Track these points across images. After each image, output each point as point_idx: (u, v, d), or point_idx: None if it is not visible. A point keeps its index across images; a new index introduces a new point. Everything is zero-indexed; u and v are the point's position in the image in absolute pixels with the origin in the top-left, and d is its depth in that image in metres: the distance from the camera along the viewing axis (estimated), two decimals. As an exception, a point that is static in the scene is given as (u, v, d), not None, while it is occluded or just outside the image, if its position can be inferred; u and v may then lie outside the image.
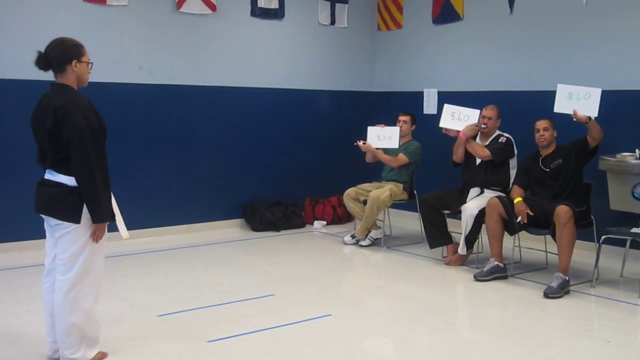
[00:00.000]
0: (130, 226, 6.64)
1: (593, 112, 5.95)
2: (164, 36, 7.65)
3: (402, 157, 7.53)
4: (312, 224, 8.62)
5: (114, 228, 4.15)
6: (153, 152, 7.67)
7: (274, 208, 8.39)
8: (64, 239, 3.89)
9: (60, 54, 3.90)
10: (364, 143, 7.51)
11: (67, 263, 3.90)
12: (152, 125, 7.66)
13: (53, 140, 3.82)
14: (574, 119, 5.99)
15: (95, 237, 3.91)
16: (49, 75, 4.01)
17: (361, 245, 7.52)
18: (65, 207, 3.84)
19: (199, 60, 7.95)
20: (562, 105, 6.10)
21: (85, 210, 3.84)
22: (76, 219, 3.84)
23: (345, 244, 7.64)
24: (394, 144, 7.44)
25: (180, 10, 7.70)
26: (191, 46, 7.88)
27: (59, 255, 3.93)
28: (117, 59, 7.30)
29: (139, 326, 4.79)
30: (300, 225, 8.53)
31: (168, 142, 7.78)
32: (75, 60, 3.92)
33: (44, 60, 3.89)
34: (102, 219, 3.88)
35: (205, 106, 8.06)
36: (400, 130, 7.56)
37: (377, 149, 7.55)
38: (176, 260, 6.78)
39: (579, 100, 6.00)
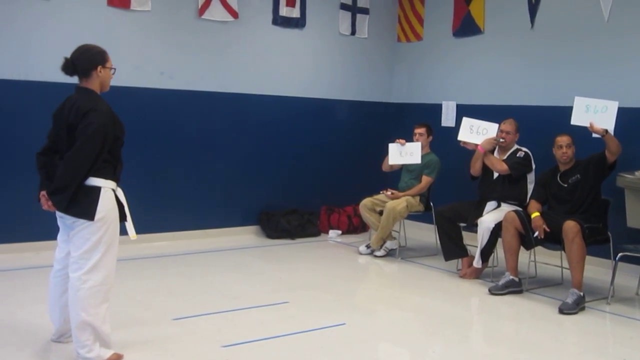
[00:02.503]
0: (146, 230, 6.77)
1: (610, 125, 5.94)
2: (185, 42, 7.71)
3: (427, 179, 7.54)
4: (328, 233, 8.64)
5: (126, 231, 4.25)
6: (171, 157, 7.72)
7: (290, 216, 8.41)
8: (78, 236, 4.01)
9: (87, 60, 4.10)
10: (392, 193, 7.53)
11: (80, 260, 4.01)
12: (172, 130, 7.70)
13: (70, 136, 3.98)
14: (591, 131, 5.98)
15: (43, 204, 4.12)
16: (71, 79, 4.15)
17: (376, 256, 7.52)
18: (81, 204, 3.95)
19: (219, 67, 8.01)
20: (579, 118, 6.09)
21: (99, 207, 3.96)
22: (90, 216, 3.95)
23: (360, 253, 7.64)
24: (416, 159, 7.45)
25: (203, 17, 7.77)
26: (212, 53, 7.93)
27: (72, 252, 4.05)
28: (139, 63, 7.37)
29: (154, 329, 4.82)
30: (316, 234, 8.55)
31: (187, 148, 7.83)
32: (100, 66, 4.12)
33: (70, 66, 4.09)
34: (59, 206, 3.99)
35: (225, 113, 8.10)
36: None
37: (393, 165, 7.68)
38: (192, 265, 6.81)
39: (596, 113, 6.00)
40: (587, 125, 5.99)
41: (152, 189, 7.51)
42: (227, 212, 8.22)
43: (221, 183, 8.14)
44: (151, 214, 7.30)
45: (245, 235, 8.29)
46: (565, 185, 6.27)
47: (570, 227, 5.75)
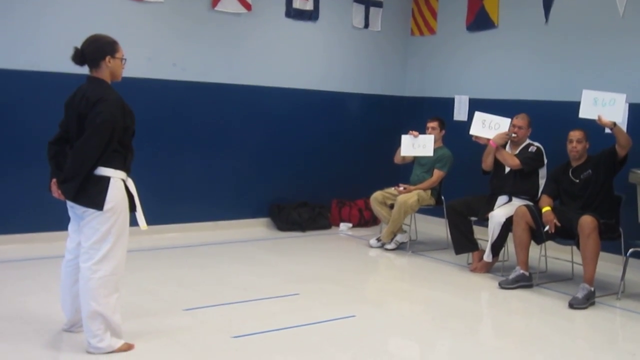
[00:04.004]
0: (158, 221, 6.81)
1: (618, 118, 5.92)
2: (198, 34, 7.73)
3: (439, 173, 7.54)
4: (338, 225, 8.65)
5: (137, 222, 4.28)
6: (183, 148, 7.75)
7: (301, 209, 8.43)
8: (88, 226, 4.04)
9: (95, 50, 4.12)
10: (404, 188, 7.54)
11: (90, 250, 4.04)
12: (184, 121, 7.73)
13: (80, 126, 4.01)
14: (600, 124, 5.97)
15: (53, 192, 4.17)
16: (82, 69, 4.19)
17: (387, 249, 7.53)
18: (90, 194, 3.99)
19: (232, 58, 8.02)
20: (587, 111, 6.08)
21: (108, 197, 3.99)
22: (100, 206, 3.98)
23: (371, 247, 7.66)
24: (429, 151, 7.46)
25: (216, 8, 7.77)
26: (225, 45, 7.95)
27: (83, 242, 4.09)
28: (151, 55, 7.39)
29: (165, 320, 4.85)
30: (327, 226, 8.56)
31: (198, 139, 7.85)
32: (109, 57, 4.13)
33: (80, 56, 4.12)
34: (67, 195, 4.03)
35: (237, 105, 8.12)
36: (430, 136, 7.60)
37: (405, 157, 7.71)
38: (202, 257, 6.85)
39: (604, 106, 5.98)
40: (596, 118, 5.97)
41: (163, 180, 7.55)
42: (238, 204, 8.25)
43: (233, 175, 8.16)
44: (163, 205, 7.34)
45: (256, 228, 8.31)
46: (577, 181, 6.26)
47: (588, 222, 5.74)
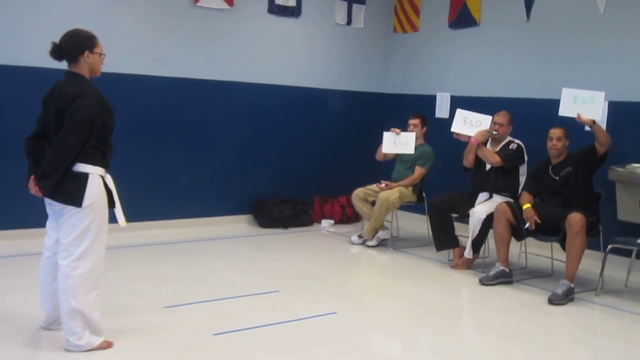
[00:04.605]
0: (139, 218, 6.79)
1: (597, 116, 5.97)
2: (180, 29, 7.69)
3: (420, 170, 7.57)
4: (320, 222, 8.66)
5: (116, 219, 4.27)
6: (164, 145, 7.71)
7: (283, 205, 8.43)
8: (66, 223, 4.02)
9: (74, 45, 4.09)
10: (386, 185, 7.56)
11: (69, 247, 4.01)
12: (165, 118, 7.69)
13: (58, 121, 3.98)
14: (579, 122, 6.01)
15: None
16: (62, 64, 4.14)
17: (368, 246, 7.55)
18: (68, 191, 3.96)
19: (214, 55, 7.99)
20: (566, 109, 6.12)
21: (87, 194, 3.97)
22: (78, 203, 3.95)
23: (353, 243, 7.67)
24: (410, 149, 7.49)
25: (198, 4, 7.74)
26: (207, 41, 7.92)
27: (61, 239, 4.05)
28: (132, 50, 7.34)
29: (146, 317, 4.83)
30: (309, 223, 8.56)
31: (180, 136, 7.82)
32: (87, 51, 4.09)
33: (58, 51, 4.08)
34: (45, 192, 3.99)
35: (219, 101, 8.09)
36: (412, 134, 7.62)
37: (387, 154, 7.73)
38: (184, 254, 6.83)
39: (583, 104, 6.02)
40: (575, 116, 6.02)
41: (145, 177, 7.51)
42: (220, 201, 8.23)
43: (214, 172, 8.14)
44: (144, 202, 7.30)
45: (238, 224, 8.29)
46: (557, 178, 6.30)
47: (577, 220, 5.77)
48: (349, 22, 9.16)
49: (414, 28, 9.33)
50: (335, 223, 8.67)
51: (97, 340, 4.11)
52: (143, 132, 7.50)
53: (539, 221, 6.07)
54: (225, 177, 8.23)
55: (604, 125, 6.48)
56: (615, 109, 6.82)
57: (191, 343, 4.41)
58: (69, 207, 3.98)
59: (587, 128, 6.16)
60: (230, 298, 5.39)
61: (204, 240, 7.45)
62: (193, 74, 7.84)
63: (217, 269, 6.34)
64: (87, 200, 3.97)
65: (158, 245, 7.08)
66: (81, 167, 3.98)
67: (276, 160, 8.62)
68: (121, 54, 7.03)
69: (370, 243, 7.56)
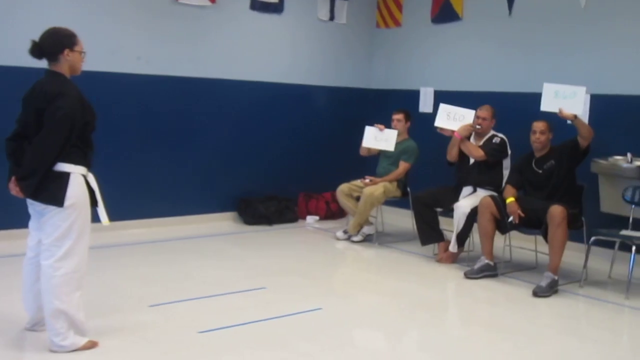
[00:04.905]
0: (123, 217, 6.76)
1: (578, 110, 6.00)
2: (162, 27, 7.66)
3: (404, 165, 7.57)
4: (306, 219, 8.66)
5: (99, 218, 4.25)
6: (148, 143, 7.68)
7: (268, 202, 8.42)
8: (48, 223, 3.99)
9: (53, 43, 4.05)
10: (370, 180, 7.57)
11: (51, 247, 3.98)
12: (149, 115, 7.66)
13: (38, 121, 3.93)
14: (561, 117, 6.04)
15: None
16: (42, 63, 4.11)
17: (353, 241, 7.56)
18: (50, 191, 3.93)
19: (197, 52, 7.97)
20: (548, 104, 6.15)
21: (68, 193, 3.94)
22: (60, 203, 3.93)
23: (338, 239, 7.67)
24: (390, 146, 7.51)
25: (180, 1, 7.70)
26: (190, 38, 7.89)
27: (43, 240, 4.02)
28: (115, 48, 7.30)
29: (131, 316, 4.81)
30: (294, 220, 8.56)
31: (164, 134, 7.79)
32: (67, 50, 4.05)
33: (37, 49, 4.04)
34: (26, 192, 3.96)
35: (203, 98, 8.07)
36: (395, 129, 7.62)
37: (371, 149, 7.75)
38: (168, 252, 6.80)
39: (564, 99, 6.06)
40: (557, 111, 6.05)
41: (129, 175, 7.48)
42: (204, 199, 8.21)
43: (199, 169, 8.12)
44: (128, 200, 7.28)
45: (223, 222, 8.28)
46: (540, 172, 6.32)
47: (558, 212, 5.81)
48: (332, 18, 9.16)
49: (397, 23, 9.34)
50: (321, 219, 8.68)
51: (82, 341, 4.09)
52: (126, 131, 7.46)
53: (522, 215, 6.09)
54: (210, 174, 8.21)
55: (586, 119, 6.52)
56: (598, 102, 6.86)
57: (177, 341, 4.40)
58: (51, 207, 3.95)
59: (569, 122, 6.19)
60: (215, 296, 5.38)
61: (189, 238, 7.42)
62: (176, 72, 7.82)
63: (202, 266, 6.33)
64: (68, 200, 3.95)
65: (142, 244, 7.06)
66: (62, 167, 3.96)
67: (261, 157, 8.61)
68: (103, 52, 6.99)
69: (355, 238, 7.57)
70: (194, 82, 7.96)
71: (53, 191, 3.93)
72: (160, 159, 7.79)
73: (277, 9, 8.59)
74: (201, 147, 8.10)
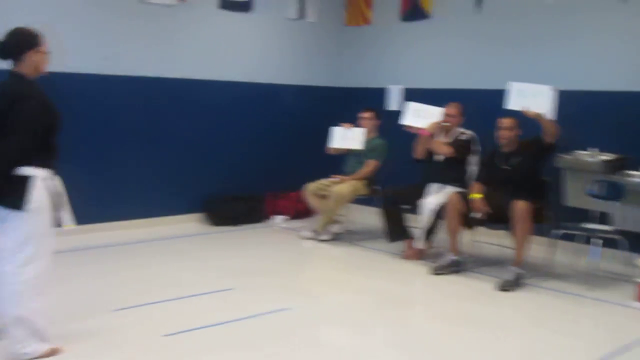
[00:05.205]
0: (88, 220, 6.67)
1: (543, 109, 6.04)
2: (129, 26, 7.57)
3: (372, 163, 7.59)
4: (274, 218, 8.63)
5: (64, 221, 4.18)
6: (114, 144, 7.60)
7: (235, 202, 8.38)
8: (10, 228, 3.91)
9: (17, 43, 3.97)
10: (339, 179, 7.58)
11: (13, 253, 3.90)
12: (115, 116, 7.58)
13: (1, 124, 3.86)
14: (526, 116, 6.09)
15: None
16: (5, 64, 4.03)
17: (321, 240, 7.55)
18: (11, 195, 3.86)
19: (165, 51, 7.90)
20: (514, 102, 6.19)
21: (31, 197, 3.86)
22: (21, 207, 3.86)
23: (306, 238, 7.65)
24: (358, 145, 7.54)
25: (147, 0, 7.65)
26: (157, 37, 7.81)
27: (4, 245, 3.94)
28: (81, 48, 7.21)
29: (96, 321, 4.76)
30: (261, 219, 8.53)
31: (130, 135, 7.72)
32: (32, 50, 3.98)
33: (1, 50, 3.97)
34: None
35: (170, 99, 8.01)
36: (364, 127, 7.64)
37: (339, 148, 7.74)
38: (134, 255, 6.74)
39: (530, 98, 6.10)
40: (522, 109, 6.09)
41: (94, 177, 7.36)
42: (171, 200, 8.14)
43: (166, 170, 8.05)
44: (93, 203, 7.18)
45: (191, 223, 8.21)
46: (507, 168, 6.37)
47: (521, 207, 5.87)
48: (301, 16, 9.14)
49: (366, 21, 9.36)
50: (289, 219, 8.66)
51: (44, 348, 4.02)
52: (91, 132, 7.38)
53: (489, 211, 6.14)
54: (177, 175, 8.15)
55: (553, 117, 6.57)
56: (563, 98, 6.91)
57: (142, 345, 4.37)
58: (13, 212, 3.88)
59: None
60: (182, 298, 5.35)
61: (155, 240, 7.36)
62: (143, 72, 7.74)
63: (168, 269, 6.28)
64: (31, 205, 3.87)
65: (107, 247, 6.97)
66: (25, 170, 3.88)
67: (228, 158, 8.57)
68: (68, 52, 6.88)
69: (323, 237, 7.57)
70: (162, 82, 7.90)
71: (15, 195, 3.85)
72: (126, 160, 7.71)
73: (246, 7, 8.55)
74: (168, 148, 8.04)
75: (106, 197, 7.52)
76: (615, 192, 6.23)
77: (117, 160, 7.64)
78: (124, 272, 6.10)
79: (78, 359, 4.11)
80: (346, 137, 7.59)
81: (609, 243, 6.22)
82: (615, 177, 6.38)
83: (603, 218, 6.30)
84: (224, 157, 8.53)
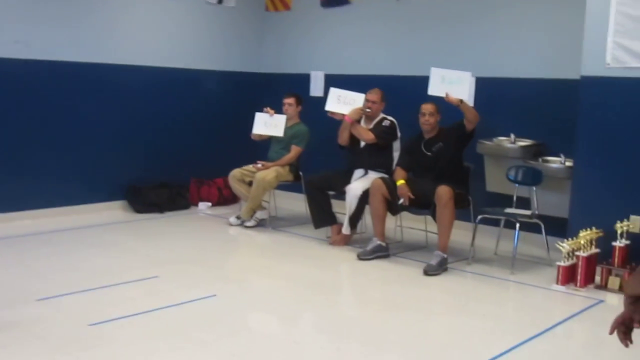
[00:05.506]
0: (4, 209, 6.46)
1: (464, 95, 6.17)
2: (42, 9, 7.30)
3: (296, 149, 7.58)
4: (198, 205, 8.54)
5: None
6: (30, 131, 7.35)
7: (159, 189, 8.24)
8: None
9: None
10: (262, 165, 7.53)
11: None
12: (29, 102, 7.33)
13: None
14: (447, 101, 6.19)
15: None
16: None
17: (247, 226, 7.51)
18: None
19: (80, 35, 7.66)
20: (435, 88, 6.29)
21: None
22: None
23: (231, 225, 7.61)
24: (279, 132, 7.52)
25: (61, -17, 7.42)
26: (72, 21, 7.58)
27: None
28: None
29: (17, 311, 4.61)
30: (186, 206, 8.43)
31: (46, 121, 7.48)
32: None
33: None
34: None
35: (86, 84, 7.79)
36: (286, 113, 7.64)
37: (262, 135, 7.68)
38: (56, 244, 6.56)
39: (451, 84, 6.22)
40: (443, 95, 6.19)
41: (9, 165, 7.14)
42: (91, 187, 7.93)
43: (85, 157, 7.84)
44: (9, 191, 6.98)
45: (112, 211, 8.04)
46: (429, 154, 6.46)
47: (444, 192, 5.96)
48: (220, 1, 9.01)
49: (286, 7, 9.31)
50: (213, 205, 8.58)
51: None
52: (5, 118, 7.12)
53: (412, 197, 6.22)
54: (96, 162, 7.94)
55: (472, 103, 6.72)
56: (483, 84, 7.09)
57: (67, 335, 4.25)
58: None
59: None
60: (106, 287, 5.22)
61: (77, 228, 7.17)
62: (58, 56, 7.50)
63: (91, 257, 6.13)
64: None
65: (27, 236, 6.76)
66: None
67: (149, 144, 8.41)
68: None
69: (248, 224, 7.53)
70: (77, 66, 7.66)
71: None
72: (42, 147, 7.47)
73: (165, -9, 8.40)
74: (87, 134, 7.83)
75: (23, 185, 7.29)
76: (533, 177, 6.41)
77: (33, 147, 7.39)
78: (44, 261, 5.92)
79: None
80: (268, 124, 7.57)
81: (530, 227, 6.42)
82: (533, 163, 6.56)
83: (526, 203, 6.46)
84: (146, 144, 8.37)
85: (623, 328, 2.15)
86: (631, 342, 2.15)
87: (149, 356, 4.02)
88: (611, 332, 2.18)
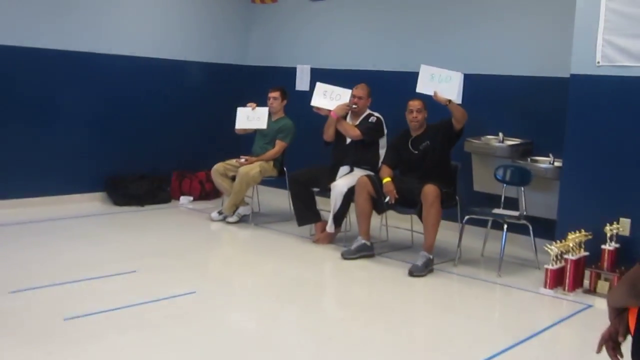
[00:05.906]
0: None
1: (452, 95, 6.06)
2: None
3: (281, 144, 7.46)
4: (179, 199, 8.40)
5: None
6: (8, 119, 7.19)
7: (140, 182, 8.08)
8: None
9: None
10: (246, 160, 7.40)
11: None
12: (8, 90, 7.17)
13: None
14: (435, 100, 6.09)
15: None
16: None
17: (229, 222, 7.38)
18: None
19: (61, 22, 7.50)
20: (424, 86, 6.18)
21: None
22: None
23: (213, 220, 7.46)
24: (262, 125, 7.40)
25: (43, -32, 7.24)
26: (53, 7, 7.42)
27: None
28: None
29: (-11, 303, 4.47)
30: (167, 200, 8.28)
31: (25, 110, 7.31)
32: None
33: None
34: None
35: (67, 73, 7.63)
36: (271, 107, 7.52)
37: (246, 129, 7.55)
38: (32, 235, 6.40)
39: (440, 82, 6.11)
40: (432, 93, 6.08)
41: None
42: (71, 178, 7.77)
43: (64, 147, 7.67)
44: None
45: (91, 202, 7.87)
46: (416, 152, 6.35)
47: (431, 191, 5.86)
48: (207, -8, 8.90)
49: (274, -1, 9.20)
50: (195, 199, 8.43)
51: None
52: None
53: (395, 196, 6.11)
54: (76, 153, 7.78)
55: (460, 101, 6.61)
56: (471, 82, 6.98)
57: (41, 329, 4.11)
58: None
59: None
60: (83, 280, 5.08)
61: (54, 219, 7.01)
62: (37, 43, 7.33)
63: (68, 249, 5.98)
64: None
65: (3, 226, 6.57)
66: None
67: (131, 135, 8.26)
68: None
69: (230, 219, 7.39)
70: (58, 54, 7.50)
71: None
72: (20, 137, 7.30)
73: (151, -20, 8.25)
74: (66, 125, 7.66)
75: (1, 175, 7.09)
76: (521, 177, 6.32)
77: (10, 137, 7.23)
78: (19, 253, 5.76)
79: (-31, 346, 3.82)
80: (250, 117, 7.44)
81: (517, 229, 6.33)
82: (522, 163, 6.48)
83: (514, 204, 6.37)
84: (127, 134, 8.21)
85: (611, 343, 2.04)
86: (621, 356, 2.04)
87: (122, 352, 3.89)
88: (599, 350, 2.07)
